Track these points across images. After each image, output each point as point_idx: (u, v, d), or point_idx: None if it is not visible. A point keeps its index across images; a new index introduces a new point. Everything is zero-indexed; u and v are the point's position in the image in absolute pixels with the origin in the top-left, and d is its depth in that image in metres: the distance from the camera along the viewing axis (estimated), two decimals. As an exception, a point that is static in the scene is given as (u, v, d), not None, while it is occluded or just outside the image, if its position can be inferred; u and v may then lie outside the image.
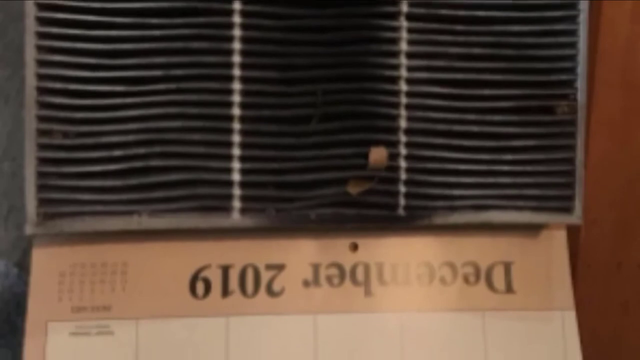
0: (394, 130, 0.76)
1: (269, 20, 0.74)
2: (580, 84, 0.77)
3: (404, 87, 0.76)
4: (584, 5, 0.77)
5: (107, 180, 0.74)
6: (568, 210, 0.78)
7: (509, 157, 0.78)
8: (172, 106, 0.74)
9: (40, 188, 0.73)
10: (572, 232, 0.82)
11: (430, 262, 0.80)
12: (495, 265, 0.81)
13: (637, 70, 0.86)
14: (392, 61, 0.76)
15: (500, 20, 0.77)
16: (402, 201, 0.77)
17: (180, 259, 0.77)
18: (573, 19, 0.77)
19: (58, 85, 0.73)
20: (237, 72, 0.74)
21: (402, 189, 0.77)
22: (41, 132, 0.73)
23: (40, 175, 0.73)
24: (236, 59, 0.74)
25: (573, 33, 0.77)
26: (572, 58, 0.77)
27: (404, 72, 0.76)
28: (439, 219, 0.77)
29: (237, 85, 0.74)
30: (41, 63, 0.73)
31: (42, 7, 0.72)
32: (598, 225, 0.84)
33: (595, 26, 0.85)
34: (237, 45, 0.74)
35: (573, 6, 0.77)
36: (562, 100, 0.78)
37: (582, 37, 0.77)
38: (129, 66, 0.73)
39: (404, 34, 0.76)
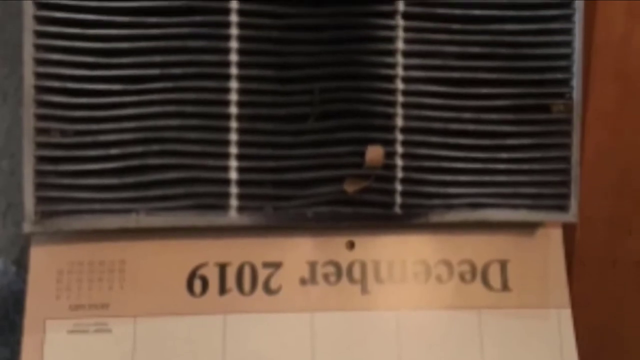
0: (391, 128, 0.77)
1: (266, 19, 0.74)
2: (576, 82, 0.78)
3: (400, 85, 0.76)
4: (579, 4, 0.77)
5: (104, 178, 0.74)
6: (564, 208, 0.78)
7: (504, 155, 0.78)
8: (169, 105, 0.74)
9: (38, 186, 0.73)
10: (567, 230, 0.82)
11: (427, 260, 0.80)
12: (491, 264, 0.81)
13: (631, 63, 0.86)
14: (389, 60, 0.76)
15: (496, 19, 0.77)
16: (398, 199, 0.77)
17: (178, 256, 0.78)
18: (568, 18, 0.78)
19: (56, 83, 0.73)
20: (234, 70, 0.75)
21: (399, 187, 0.77)
22: (39, 131, 0.73)
23: (38, 173, 0.73)
24: (233, 57, 0.74)
25: (568, 32, 0.77)
26: (568, 57, 0.78)
27: (400, 71, 0.76)
28: (435, 217, 0.77)
29: (234, 84, 0.75)
30: (39, 62, 0.73)
31: (40, 5, 0.72)
32: (592, 223, 0.84)
33: (590, 21, 0.85)
34: (234, 44, 0.74)
35: (568, 5, 0.77)
36: (557, 98, 0.78)
37: (578, 35, 0.77)
38: (127, 65, 0.74)
39: (400, 33, 0.76)
